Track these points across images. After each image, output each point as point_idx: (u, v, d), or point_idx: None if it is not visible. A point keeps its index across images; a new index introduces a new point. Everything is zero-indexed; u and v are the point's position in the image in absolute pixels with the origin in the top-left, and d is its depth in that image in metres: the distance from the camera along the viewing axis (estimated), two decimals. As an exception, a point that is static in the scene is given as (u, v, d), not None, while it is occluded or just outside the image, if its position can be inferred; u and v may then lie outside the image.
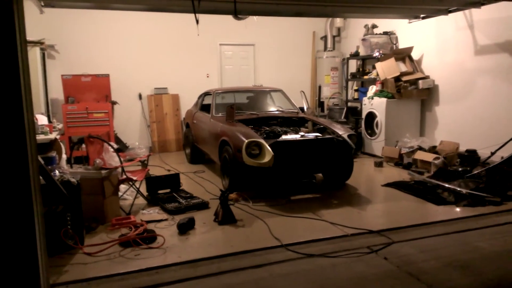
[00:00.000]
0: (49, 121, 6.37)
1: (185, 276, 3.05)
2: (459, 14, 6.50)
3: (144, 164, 5.50)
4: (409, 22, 7.10)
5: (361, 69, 8.71)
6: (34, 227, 2.56)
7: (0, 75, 2.40)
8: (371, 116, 7.53)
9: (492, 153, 5.51)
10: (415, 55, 7.46)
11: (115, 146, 4.81)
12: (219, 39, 8.92)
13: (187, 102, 8.35)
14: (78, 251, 3.45)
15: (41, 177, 2.94)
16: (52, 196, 3.35)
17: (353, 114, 8.54)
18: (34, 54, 6.66)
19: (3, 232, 2.48)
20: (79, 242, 3.47)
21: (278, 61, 9.44)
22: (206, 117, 6.37)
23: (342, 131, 5.23)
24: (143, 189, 5.01)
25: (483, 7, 5.89)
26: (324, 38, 9.65)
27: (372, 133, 7.53)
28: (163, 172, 6.18)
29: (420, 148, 6.50)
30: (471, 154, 5.84)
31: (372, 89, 7.69)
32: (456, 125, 6.81)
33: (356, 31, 9.12)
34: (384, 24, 8.10)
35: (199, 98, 7.37)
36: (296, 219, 4.26)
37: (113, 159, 4.52)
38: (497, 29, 6.03)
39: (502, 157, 5.26)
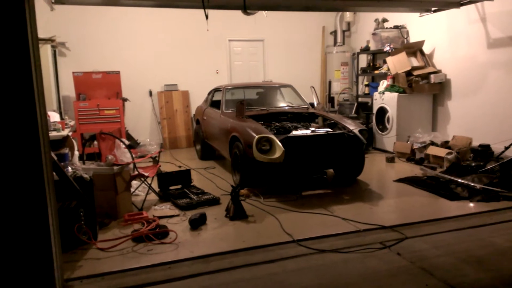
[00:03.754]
0: (61, 118, 6.43)
1: (197, 271, 3.06)
2: (471, 7, 6.41)
3: (155, 160, 5.52)
4: (420, 16, 7.01)
5: (371, 64, 8.63)
6: (48, 223, 2.59)
7: (13, 73, 2.43)
8: (382, 111, 7.47)
9: (506, 148, 5.43)
10: (426, 49, 7.38)
11: (127, 142, 4.84)
12: (228, 35, 8.91)
13: (197, 99, 8.38)
14: (92, 246, 3.49)
15: (54, 173, 2.97)
16: (65, 192, 3.39)
17: (363, 109, 8.48)
18: (45, 52, 6.71)
19: (19, 228, 2.52)
20: (92, 237, 3.50)
21: (287, 56, 9.40)
22: (216, 113, 6.37)
23: (353, 126, 5.20)
24: (154, 185, 5.04)
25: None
26: (334, 33, 9.58)
27: (383, 128, 7.47)
28: (174, 168, 6.21)
29: (433, 143, 6.43)
30: (485, 149, 5.76)
31: (383, 84, 7.63)
32: (469, 119, 6.72)
33: (366, 25, 9.04)
34: (395, 18, 8.01)
35: (209, 94, 7.38)
36: (308, 214, 4.25)
37: (125, 155, 4.55)
38: (510, 22, 5.92)
39: (516, 152, 5.19)
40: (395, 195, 4.99)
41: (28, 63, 2.45)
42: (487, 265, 3.07)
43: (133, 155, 4.66)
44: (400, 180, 5.45)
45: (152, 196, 4.93)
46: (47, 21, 7.01)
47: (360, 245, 3.45)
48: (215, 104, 6.75)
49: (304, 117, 5.89)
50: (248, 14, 5.83)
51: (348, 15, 9.32)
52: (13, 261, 2.53)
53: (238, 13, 5.88)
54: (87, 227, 3.46)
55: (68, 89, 7.63)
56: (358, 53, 9.00)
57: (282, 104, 6.56)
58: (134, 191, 4.91)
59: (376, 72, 8.27)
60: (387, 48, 7.70)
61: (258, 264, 3.17)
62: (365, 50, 8.66)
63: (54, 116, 5.69)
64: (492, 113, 6.30)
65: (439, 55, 7.27)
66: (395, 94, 7.11)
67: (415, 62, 7.24)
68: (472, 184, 4.83)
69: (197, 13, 5.37)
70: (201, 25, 5.80)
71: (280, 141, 4.65)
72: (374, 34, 8.19)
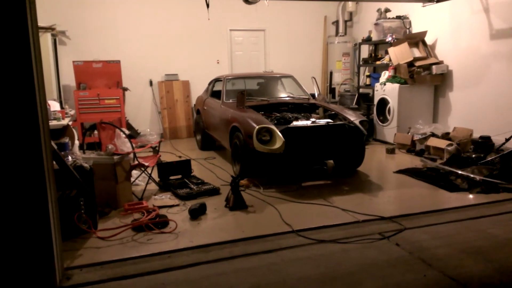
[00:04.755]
0: (61, 107, 6.41)
1: (197, 261, 3.08)
2: (474, -3, 6.36)
3: (155, 150, 5.54)
4: (423, 6, 6.97)
5: (373, 55, 8.58)
6: (48, 212, 2.60)
7: (13, 62, 2.41)
8: (383, 102, 7.45)
9: (507, 140, 5.42)
10: (428, 39, 7.32)
11: (127, 132, 4.84)
12: (229, 24, 8.84)
13: (198, 89, 8.34)
14: (92, 235, 3.50)
15: (54, 162, 2.97)
16: (65, 181, 3.39)
17: (364, 100, 8.45)
18: (45, 40, 6.68)
19: (19, 217, 2.52)
20: (92, 226, 3.51)
21: (289, 46, 9.34)
22: (216, 103, 6.35)
23: (353, 117, 5.18)
24: (154, 175, 5.05)
25: (500, -10, 5.74)
26: (336, 23, 9.51)
27: (384, 119, 7.46)
28: (174, 159, 6.22)
29: (433, 135, 6.43)
30: (485, 141, 5.75)
31: (385, 75, 7.59)
32: (470, 111, 6.70)
33: (368, 15, 8.97)
34: (397, 8, 7.94)
35: (209, 84, 7.35)
36: (307, 205, 4.26)
37: (125, 145, 4.55)
38: (514, 13, 5.87)
39: (517, 144, 5.18)
40: (395, 186, 4.99)
41: (28, 52, 2.44)
42: (486, 256, 3.08)
43: (133, 145, 4.66)
44: (400, 172, 5.45)
45: (152, 186, 4.94)
46: (47, 9, 6.96)
47: (359, 235, 3.47)
48: (216, 94, 6.73)
49: (305, 107, 5.88)
50: (249, 3, 5.80)
51: (350, 5, 9.24)
52: (13, 249, 2.54)
53: (240, 2, 5.85)
54: (87, 216, 3.47)
55: (68, 78, 7.60)
56: (360, 44, 8.95)
57: (283, 94, 6.54)
58: (134, 181, 4.92)
59: (378, 62, 8.23)
60: (389, 39, 7.65)
61: (257, 254, 3.18)
62: (367, 40, 8.61)
63: (54, 105, 5.68)
64: (493, 105, 6.28)
65: (441, 46, 7.22)
66: (397, 85, 7.08)
67: (417, 53, 7.20)
68: (472, 175, 4.83)
69: (198, 2, 5.32)
70: (202, 15, 5.76)
71: (280, 131, 4.64)
72: (376, 24, 8.14)
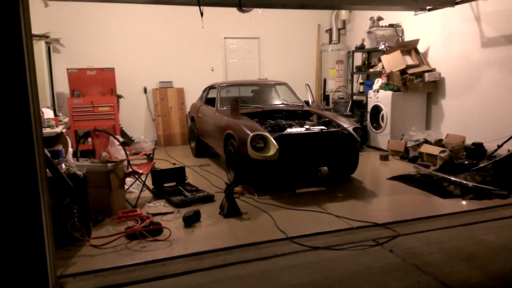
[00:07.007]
0: (55, 114, 6.39)
1: (191, 268, 3.07)
2: (465, 6, 6.44)
3: (149, 157, 5.52)
4: (415, 14, 7.05)
5: (366, 62, 8.65)
6: (42, 220, 2.58)
7: (6, 69, 2.41)
8: (376, 109, 7.50)
9: (499, 146, 5.47)
10: (421, 47, 7.41)
11: (121, 139, 4.83)
12: (223, 32, 8.89)
13: (192, 96, 8.36)
14: (85, 243, 3.48)
15: (48, 170, 2.96)
16: (59, 189, 3.38)
17: (358, 107, 8.51)
18: (39, 48, 6.66)
19: (12, 225, 2.51)
20: (86, 234, 3.50)
21: (283, 54, 9.40)
22: (211, 110, 6.37)
23: (347, 124, 5.21)
24: (149, 182, 5.04)
25: (490, -1, 5.83)
26: (329, 31, 9.59)
27: (377, 126, 7.50)
28: (168, 166, 6.20)
29: (426, 141, 6.47)
30: (478, 147, 5.80)
31: (378, 82, 7.65)
32: (462, 118, 6.77)
33: (361, 23, 9.06)
34: (390, 16, 8.03)
35: (204, 91, 7.37)
36: (301, 212, 4.27)
37: (119, 153, 4.54)
38: (504, 21, 5.95)
39: (509, 150, 5.21)
40: (389, 193, 5.02)
41: (22, 59, 2.44)
42: (478, 262, 3.10)
43: (128, 152, 4.66)
44: (393, 178, 5.48)
45: (146, 193, 4.93)
46: (41, 17, 6.95)
47: (353, 242, 3.47)
48: (210, 102, 6.75)
49: (299, 115, 5.90)
50: (243, 11, 5.82)
51: (343, 13, 9.33)
52: (6, 257, 2.52)
53: (234, 10, 5.87)
54: (81, 224, 3.46)
55: (62, 85, 7.58)
56: (353, 51, 9.02)
57: (277, 101, 6.57)
58: (128, 188, 4.90)
59: (371, 70, 8.30)
60: (382, 47, 7.73)
61: (251, 261, 3.18)
62: (360, 48, 8.68)
63: (48, 113, 5.66)
64: (485, 112, 6.35)
65: (433, 54, 7.30)
66: (390, 92, 7.14)
67: (409, 60, 7.27)
68: (464, 182, 4.86)
69: (192, 10, 5.36)
70: (196, 22, 5.78)
71: (274, 138, 4.65)
72: (369, 32, 8.22)
